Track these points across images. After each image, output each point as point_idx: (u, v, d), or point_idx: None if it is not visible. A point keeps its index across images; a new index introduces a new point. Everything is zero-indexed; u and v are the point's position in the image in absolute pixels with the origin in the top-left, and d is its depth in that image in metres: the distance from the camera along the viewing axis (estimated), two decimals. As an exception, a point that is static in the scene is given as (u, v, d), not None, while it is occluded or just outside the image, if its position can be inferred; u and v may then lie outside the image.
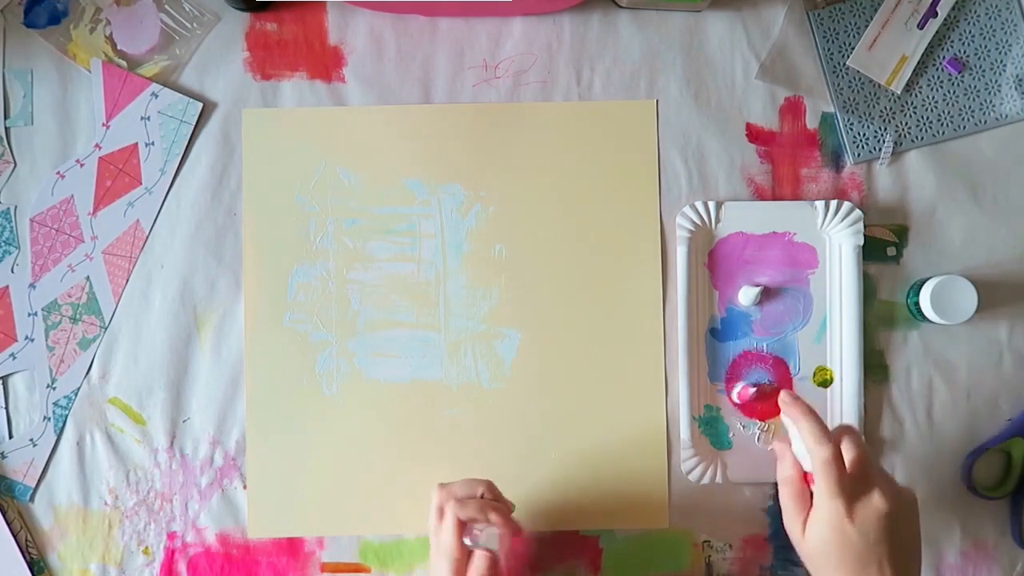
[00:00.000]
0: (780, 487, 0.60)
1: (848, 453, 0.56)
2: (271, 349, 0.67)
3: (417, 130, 0.68)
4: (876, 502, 0.55)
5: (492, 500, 0.59)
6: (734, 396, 0.67)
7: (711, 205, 0.66)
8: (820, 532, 0.56)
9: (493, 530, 0.57)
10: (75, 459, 0.67)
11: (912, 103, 0.68)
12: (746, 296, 0.66)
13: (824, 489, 0.55)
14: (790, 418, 0.59)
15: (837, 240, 0.66)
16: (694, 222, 0.66)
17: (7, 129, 0.67)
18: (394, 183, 0.68)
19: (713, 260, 0.67)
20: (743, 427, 0.67)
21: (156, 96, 0.67)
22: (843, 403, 0.66)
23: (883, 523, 0.54)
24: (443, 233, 0.68)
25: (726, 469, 0.66)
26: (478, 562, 0.56)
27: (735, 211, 0.67)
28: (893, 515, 0.55)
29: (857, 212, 0.66)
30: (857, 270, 0.66)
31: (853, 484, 0.55)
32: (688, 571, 0.67)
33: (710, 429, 0.67)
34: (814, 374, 0.67)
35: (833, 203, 0.66)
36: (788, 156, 0.68)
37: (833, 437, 0.57)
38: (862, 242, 0.66)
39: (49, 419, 0.67)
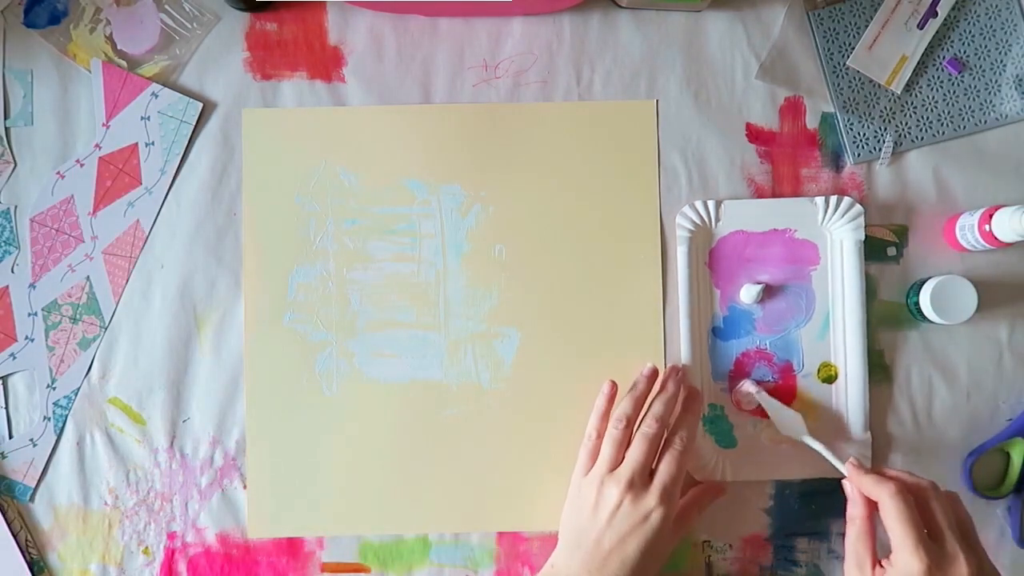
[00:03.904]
0: (848, 527, 0.59)
1: (937, 512, 0.56)
2: (271, 349, 0.67)
3: (417, 130, 0.68)
4: (960, 568, 0.53)
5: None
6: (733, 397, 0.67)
7: (711, 204, 0.66)
8: None
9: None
10: (75, 459, 0.67)
11: (912, 103, 0.68)
12: (748, 294, 0.66)
13: (903, 542, 0.54)
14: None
15: (838, 236, 0.66)
16: (694, 221, 0.66)
17: (7, 129, 0.67)
18: (394, 183, 0.68)
19: (714, 259, 0.67)
20: (749, 425, 0.67)
21: (156, 96, 0.67)
22: (848, 399, 0.66)
23: None
24: (443, 233, 0.68)
25: (731, 468, 0.66)
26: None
27: (735, 209, 0.67)
28: None
29: (858, 207, 0.66)
30: (859, 265, 0.66)
31: (935, 543, 0.54)
32: (688, 571, 0.67)
33: (714, 428, 0.67)
34: (818, 370, 0.67)
35: (833, 199, 0.66)
36: (788, 156, 0.68)
37: (917, 489, 0.56)
38: (863, 237, 0.66)
39: (49, 419, 0.67)
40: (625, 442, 0.61)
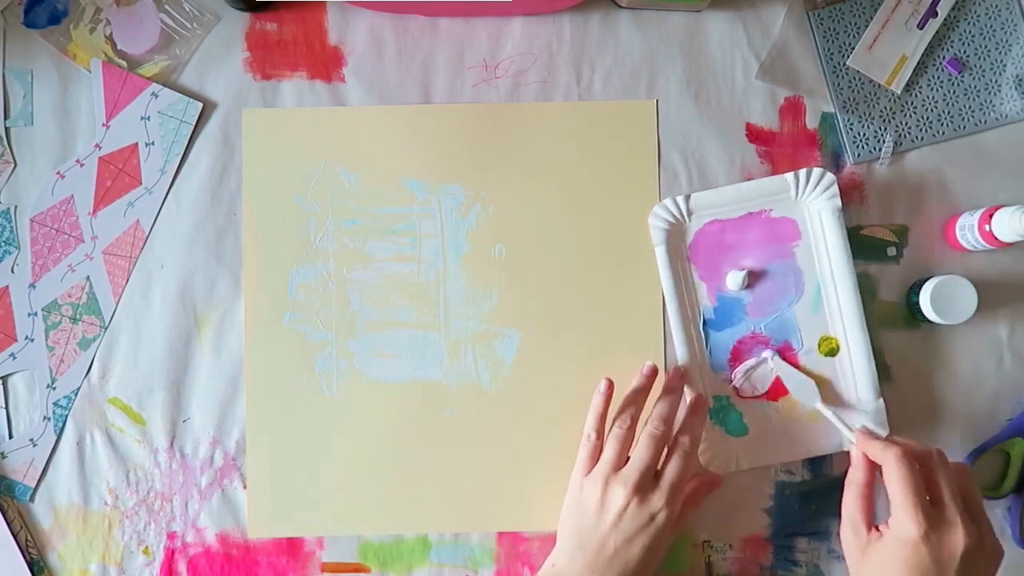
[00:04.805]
0: (846, 490, 0.59)
1: (941, 480, 0.56)
2: (271, 349, 0.67)
3: (417, 130, 0.68)
4: (957, 536, 0.54)
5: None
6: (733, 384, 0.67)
7: (680, 199, 0.66)
8: (891, 546, 0.54)
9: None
10: (75, 459, 0.67)
11: (912, 103, 0.68)
12: (733, 281, 0.66)
13: (902, 504, 0.54)
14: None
15: (816, 208, 0.66)
16: (667, 220, 0.66)
17: (7, 129, 0.67)
18: (394, 183, 0.68)
19: (694, 253, 0.67)
20: (758, 410, 0.66)
21: (156, 96, 0.67)
22: (854, 367, 0.65)
23: (960, 558, 0.53)
24: (443, 233, 0.68)
25: (745, 455, 0.66)
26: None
27: (705, 200, 0.66)
28: (971, 555, 0.54)
29: (829, 176, 0.65)
30: (841, 233, 0.65)
31: (935, 509, 0.55)
32: (688, 571, 0.67)
33: (723, 418, 0.66)
34: (819, 345, 0.67)
35: (803, 172, 0.65)
36: (788, 156, 0.68)
37: (923, 456, 0.57)
38: (840, 205, 0.65)
39: (49, 419, 0.67)
40: (629, 442, 0.61)
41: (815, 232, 0.66)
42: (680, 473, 0.59)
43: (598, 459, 0.61)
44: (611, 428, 0.61)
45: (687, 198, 0.66)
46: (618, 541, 0.58)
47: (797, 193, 0.66)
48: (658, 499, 0.58)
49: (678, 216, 0.66)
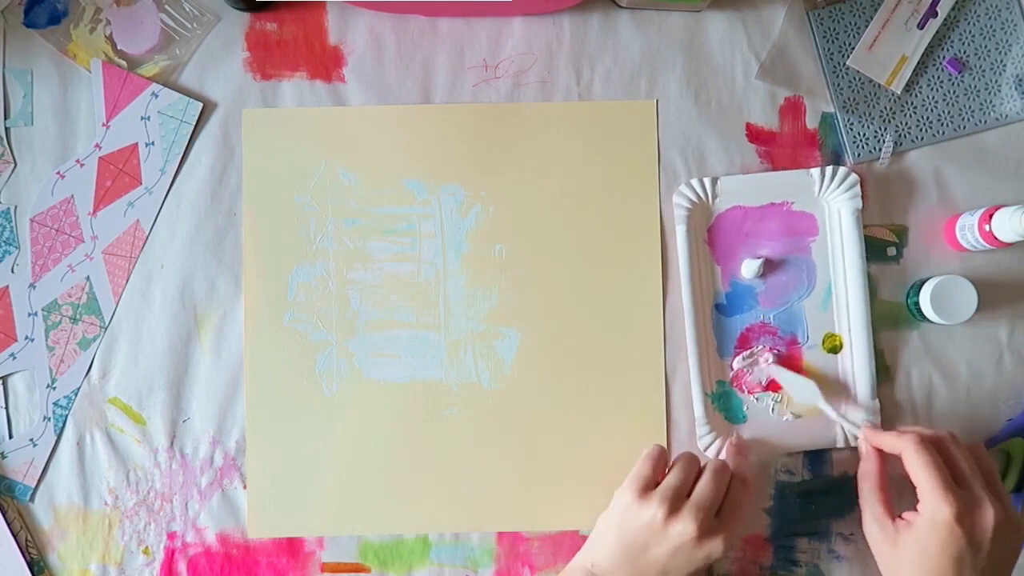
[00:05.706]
0: (861, 484, 0.60)
1: (959, 460, 0.57)
2: (271, 349, 0.67)
3: (417, 130, 0.68)
4: (987, 512, 0.54)
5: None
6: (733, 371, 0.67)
7: (707, 181, 0.66)
8: (925, 532, 0.54)
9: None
10: (75, 459, 0.67)
11: (912, 103, 0.68)
12: (748, 269, 0.66)
13: (931, 488, 0.54)
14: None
15: (836, 206, 0.66)
16: (691, 199, 0.66)
17: (7, 129, 0.67)
18: (394, 183, 0.68)
19: (713, 236, 0.67)
20: (756, 400, 0.67)
21: (156, 96, 0.67)
22: (854, 367, 0.66)
23: (992, 534, 0.54)
24: (443, 233, 0.68)
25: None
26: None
27: (732, 184, 0.67)
28: (1001, 529, 0.54)
29: (853, 176, 0.66)
30: (858, 234, 0.66)
31: (962, 490, 0.55)
32: (688, 571, 0.67)
33: (724, 404, 0.67)
34: (823, 341, 0.67)
35: (829, 169, 0.66)
36: (788, 156, 0.68)
37: (937, 440, 0.58)
38: (860, 207, 0.66)
39: (49, 419, 0.67)
40: (695, 474, 0.60)
41: (832, 230, 0.67)
42: (742, 517, 0.59)
43: (660, 473, 0.61)
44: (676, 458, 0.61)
45: (714, 180, 0.66)
46: (669, 569, 0.57)
47: (820, 189, 0.66)
48: (716, 544, 0.57)
49: (703, 197, 0.67)
